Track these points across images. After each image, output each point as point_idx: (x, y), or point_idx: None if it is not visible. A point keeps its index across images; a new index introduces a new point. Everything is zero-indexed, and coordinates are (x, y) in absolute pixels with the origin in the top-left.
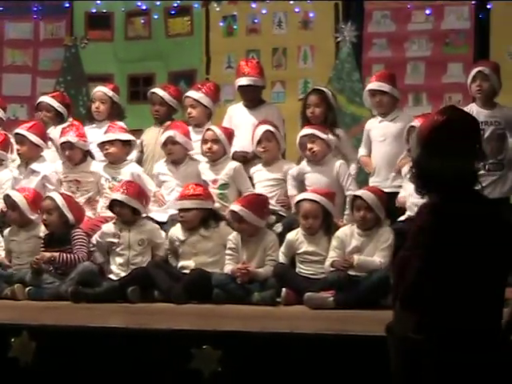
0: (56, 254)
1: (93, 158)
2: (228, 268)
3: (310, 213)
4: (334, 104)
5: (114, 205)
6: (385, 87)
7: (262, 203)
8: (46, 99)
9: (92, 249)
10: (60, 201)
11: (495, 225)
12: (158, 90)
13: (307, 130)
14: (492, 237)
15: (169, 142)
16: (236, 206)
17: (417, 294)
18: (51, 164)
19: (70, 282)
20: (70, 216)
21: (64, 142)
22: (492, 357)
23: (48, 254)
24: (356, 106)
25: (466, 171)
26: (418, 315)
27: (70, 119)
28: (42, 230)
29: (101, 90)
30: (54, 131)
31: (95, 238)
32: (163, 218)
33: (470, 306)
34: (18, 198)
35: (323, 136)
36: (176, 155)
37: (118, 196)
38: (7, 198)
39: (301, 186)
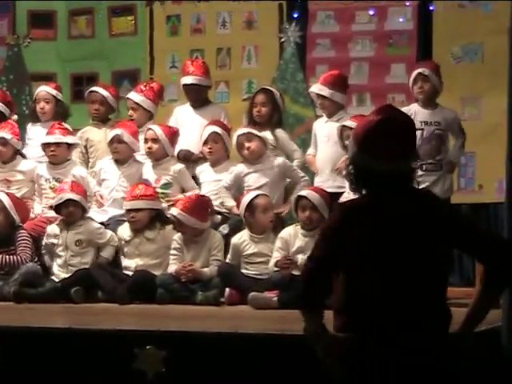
0: None
1: (24, 156)
2: (172, 268)
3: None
4: (280, 104)
5: (64, 205)
6: (325, 91)
7: (203, 205)
8: None
9: (43, 251)
10: (7, 201)
11: (431, 218)
12: (100, 90)
13: (244, 129)
14: (427, 232)
15: (115, 141)
16: (175, 210)
17: (309, 292)
18: None
19: (13, 283)
20: (16, 217)
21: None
22: (425, 353)
23: None
24: (300, 107)
25: (401, 171)
26: (317, 313)
27: (16, 117)
28: None
29: (44, 89)
30: None
31: (44, 241)
32: (102, 218)
33: (395, 301)
34: None
35: (260, 134)
36: (121, 154)
37: (73, 196)
38: None
39: (240, 189)
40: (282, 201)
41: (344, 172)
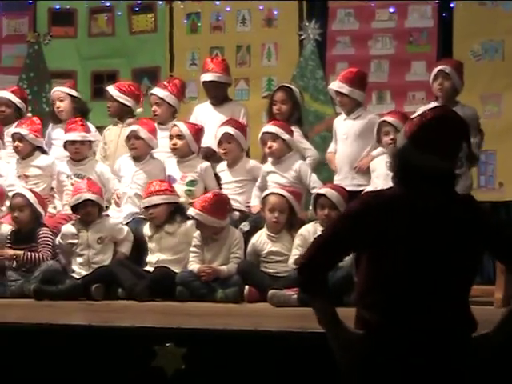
0: (20, 253)
1: (45, 153)
2: (192, 266)
3: (276, 206)
4: (300, 102)
5: (82, 205)
6: (344, 89)
7: (221, 203)
8: (5, 94)
9: (57, 250)
10: (31, 197)
11: (471, 223)
12: (110, 88)
13: (271, 128)
14: (463, 235)
15: (132, 137)
16: (193, 211)
17: (312, 274)
18: (5, 162)
19: (34, 280)
20: (42, 212)
21: (15, 133)
22: (447, 353)
23: (11, 252)
24: (319, 104)
25: (446, 171)
26: (323, 299)
27: (29, 114)
28: (1, 231)
29: (56, 89)
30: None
31: (58, 240)
32: (118, 216)
33: (417, 305)
34: None
35: (285, 137)
36: (138, 151)
37: (90, 196)
38: None
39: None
40: (304, 201)
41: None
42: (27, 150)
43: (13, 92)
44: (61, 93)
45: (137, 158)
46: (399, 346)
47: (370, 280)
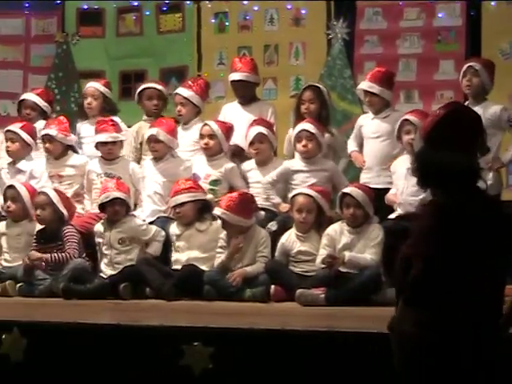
0: (47, 256)
1: (76, 152)
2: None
3: (304, 206)
4: (328, 101)
5: (110, 203)
6: (374, 88)
7: (246, 202)
8: (32, 97)
9: (97, 247)
10: (54, 196)
11: (497, 223)
12: (156, 85)
13: (310, 127)
14: (493, 236)
15: (152, 140)
16: (219, 210)
17: (420, 291)
18: (38, 162)
19: (62, 279)
20: (64, 211)
21: (44, 135)
22: (489, 353)
23: (38, 255)
24: (347, 103)
25: (468, 167)
26: (420, 312)
27: (54, 115)
28: (36, 228)
29: (92, 85)
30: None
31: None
32: (141, 215)
33: (471, 304)
34: (22, 190)
35: (320, 138)
36: (159, 153)
37: (119, 194)
38: (8, 188)
39: (285, 187)
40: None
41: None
42: (59, 150)
43: (39, 94)
44: (95, 90)
45: (157, 158)
46: (449, 342)
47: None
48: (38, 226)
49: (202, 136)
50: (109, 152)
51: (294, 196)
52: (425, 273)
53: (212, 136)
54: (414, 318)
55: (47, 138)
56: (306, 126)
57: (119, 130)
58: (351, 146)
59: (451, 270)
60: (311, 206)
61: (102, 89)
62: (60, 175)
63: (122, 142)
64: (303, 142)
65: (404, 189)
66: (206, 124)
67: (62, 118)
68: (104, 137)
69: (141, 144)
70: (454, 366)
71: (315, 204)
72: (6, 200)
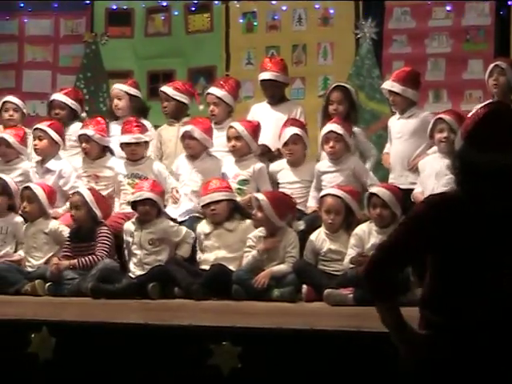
0: (74, 262)
1: (113, 153)
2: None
3: (332, 207)
4: (356, 101)
5: (141, 203)
6: (396, 88)
7: (287, 204)
8: (59, 97)
9: (124, 246)
10: (88, 196)
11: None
12: (164, 87)
13: (336, 127)
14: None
15: (186, 137)
16: (260, 195)
17: (377, 280)
18: (67, 162)
19: (91, 279)
20: (97, 212)
21: (81, 135)
22: (510, 352)
23: (66, 263)
24: (376, 103)
25: (506, 166)
26: (434, 313)
27: (84, 114)
28: (50, 226)
29: (116, 87)
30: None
31: (124, 238)
32: (175, 213)
33: (490, 302)
34: (38, 190)
35: (348, 139)
36: (193, 150)
37: (152, 195)
38: (24, 190)
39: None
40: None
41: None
42: (96, 151)
43: (66, 94)
44: (119, 91)
45: (192, 157)
46: (464, 346)
47: (435, 282)
48: (54, 224)
49: (228, 138)
50: (132, 153)
51: (322, 197)
52: (377, 261)
53: (238, 137)
54: (427, 320)
55: (84, 138)
56: (334, 126)
57: (144, 131)
58: (386, 147)
59: (467, 267)
60: (340, 207)
61: (126, 88)
62: (97, 176)
63: (146, 142)
64: (331, 144)
65: (434, 188)
66: (231, 126)
67: (99, 118)
68: (127, 138)
69: (160, 143)
70: (473, 367)
71: (344, 204)
72: (22, 201)
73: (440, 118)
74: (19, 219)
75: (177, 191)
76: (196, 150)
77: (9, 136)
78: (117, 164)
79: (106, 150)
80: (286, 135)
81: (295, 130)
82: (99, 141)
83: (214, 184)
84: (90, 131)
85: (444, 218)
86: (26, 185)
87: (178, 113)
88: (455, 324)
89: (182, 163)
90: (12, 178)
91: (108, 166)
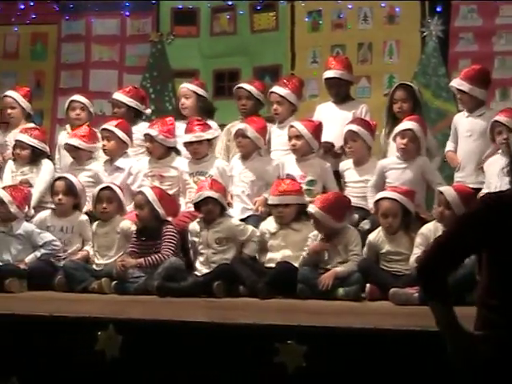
0: (141, 261)
1: (179, 154)
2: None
3: (389, 211)
4: (420, 99)
5: (203, 202)
6: (464, 86)
7: (342, 205)
8: (116, 95)
9: (189, 245)
10: (151, 195)
11: None
12: (245, 85)
13: (413, 125)
14: None
15: (239, 135)
16: (312, 208)
17: (429, 262)
18: (136, 160)
19: (157, 277)
20: (160, 211)
21: (146, 134)
22: None
23: (133, 262)
24: (442, 101)
25: None
26: (489, 312)
27: (148, 111)
28: (122, 226)
29: (184, 86)
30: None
31: (188, 238)
32: (233, 213)
33: None
34: (118, 190)
35: (422, 140)
36: (245, 149)
37: (212, 194)
38: (103, 190)
39: (383, 185)
40: (424, 201)
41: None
42: (160, 151)
43: (124, 92)
44: (187, 90)
45: (244, 156)
46: None
47: (491, 281)
48: (126, 223)
49: (289, 138)
50: (195, 151)
51: (378, 200)
52: (431, 260)
53: (299, 136)
54: (484, 319)
55: (148, 138)
56: (413, 125)
57: (206, 129)
58: (448, 145)
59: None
60: (396, 210)
61: (194, 88)
62: (162, 175)
63: (209, 140)
64: (405, 140)
65: (497, 188)
66: (291, 126)
67: (169, 119)
68: (188, 137)
69: (228, 141)
70: None
71: (400, 206)
72: (101, 201)
73: (496, 121)
74: (84, 217)
75: (231, 196)
76: (248, 149)
77: (76, 141)
78: (182, 164)
79: (171, 150)
80: (343, 133)
81: (351, 126)
82: (162, 141)
83: (285, 186)
84: (153, 131)
85: (499, 217)
86: (105, 185)
87: (254, 112)
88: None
89: (235, 163)
90: (77, 178)
91: (173, 165)
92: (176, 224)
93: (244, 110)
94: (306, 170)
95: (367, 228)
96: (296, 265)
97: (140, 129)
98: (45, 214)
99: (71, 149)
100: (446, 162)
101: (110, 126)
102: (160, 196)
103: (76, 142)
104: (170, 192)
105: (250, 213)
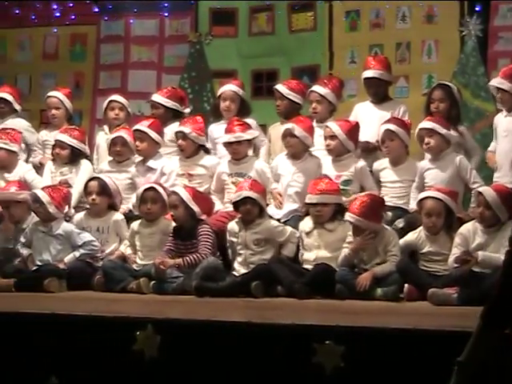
0: (179, 261)
1: (208, 152)
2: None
3: (433, 211)
4: (458, 99)
5: (242, 202)
6: (504, 85)
7: (377, 206)
8: (154, 97)
9: (227, 245)
10: (184, 195)
11: None
12: (278, 86)
13: (426, 124)
14: None
15: (287, 135)
16: (351, 216)
17: (497, 311)
18: (168, 160)
19: (195, 277)
20: (196, 209)
21: (178, 132)
22: None
23: (171, 262)
24: (480, 101)
25: None
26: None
27: (187, 110)
28: (166, 227)
29: (231, 89)
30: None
31: (227, 238)
32: (279, 213)
33: None
34: (162, 191)
35: (442, 131)
36: (294, 148)
37: (251, 194)
38: (147, 191)
39: (423, 187)
40: (461, 201)
41: None
42: (191, 149)
43: (162, 93)
44: (234, 94)
45: (294, 157)
46: None
47: None
48: (173, 224)
49: (324, 138)
50: (234, 152)
51: (421, 199)
52: (501, 292)
53: (333, 137)
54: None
55: (180, 136)
56: (423, 123)
57: (245, 129)
58: (491, 146)
59: None
60: (440, 209)
61: (241, 92)
62: (190, 174)
63: (249, 141)
64: (425, 140)
65: None
66: (326, 126)
67: (198, 117)
68: (227, 137)
69: (270, 142)
70: None
71: (444, 206)
72: (145, 202)
73: None
74: (119, 217)
75: (280, 195)
76: (296, 149)
77: (125, 134)
78: (211, 162)
79: (200, 149)
80: (380, 132)
81: (388, 125)
82: (195, 139)
83: (324, 185)
84: (186, 129)
85: None
86: (149, 185)
87: (291, 112)
88: None
89: (282, 162)
90: (112, 179)
91: (201, 164)
92: (213, 224)
93: (278, 110)
94: (340, 170)
95: (401, 226)
96: (332, 265)
97: (169, 130)
98: (80, 215)
99: (118, 141)
100: (484, 163)
101: (142, 126)
102: (193, 195)
103: (127, 137)
104: (199, 190)
105: (294, 214)
